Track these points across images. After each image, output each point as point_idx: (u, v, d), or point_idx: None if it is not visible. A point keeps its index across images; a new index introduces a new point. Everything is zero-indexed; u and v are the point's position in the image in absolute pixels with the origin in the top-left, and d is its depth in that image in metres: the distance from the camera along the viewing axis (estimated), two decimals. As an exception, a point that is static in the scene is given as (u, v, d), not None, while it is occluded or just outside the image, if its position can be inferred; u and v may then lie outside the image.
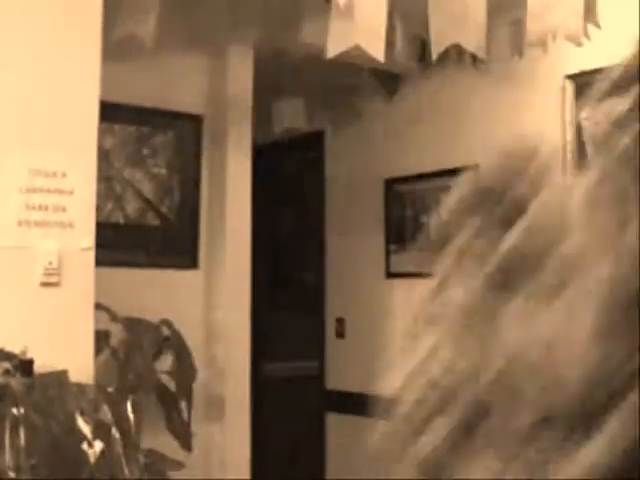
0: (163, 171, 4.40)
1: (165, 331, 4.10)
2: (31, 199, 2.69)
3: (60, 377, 2.43)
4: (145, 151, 4.35)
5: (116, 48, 3.35)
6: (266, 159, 5.71)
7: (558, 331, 0.56)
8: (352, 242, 5.40)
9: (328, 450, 5.57)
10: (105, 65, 2.89)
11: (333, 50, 3.14)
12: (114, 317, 3.98)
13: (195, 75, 4.51)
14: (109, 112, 3.19)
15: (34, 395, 2.32)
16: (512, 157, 0.79)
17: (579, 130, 4.08)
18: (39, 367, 2.42)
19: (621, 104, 0.61)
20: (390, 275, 5.14)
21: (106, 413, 2.43)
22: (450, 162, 4.78)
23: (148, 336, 3.98)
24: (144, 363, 3.87)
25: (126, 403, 2.50)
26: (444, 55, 3.68)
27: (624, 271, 0.53)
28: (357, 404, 5.33)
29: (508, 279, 0.63)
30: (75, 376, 2.46)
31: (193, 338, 4.21)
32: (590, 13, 3.40)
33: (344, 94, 5.24)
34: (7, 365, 2.37)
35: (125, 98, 4.15)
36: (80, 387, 2.44)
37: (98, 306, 3.26)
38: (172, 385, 4.07)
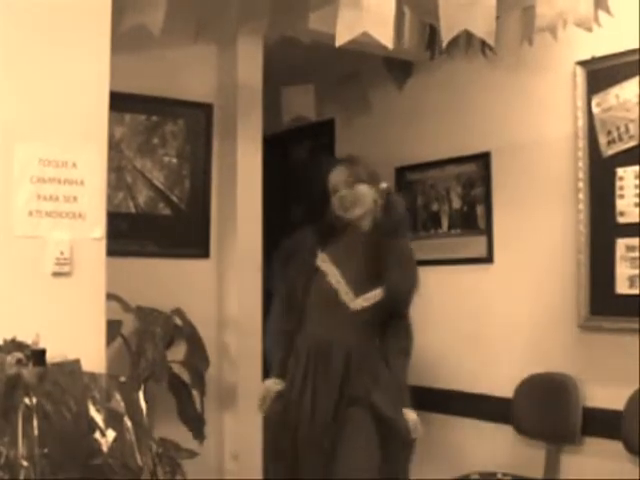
0: (174, 160, 4.40)
1: (177, 320, 4.11)
2: (42, 189, 2.70)
3: (72, 366, 2.43)
4: (155, 140, 4.35)
5: (126, 38, 3.35)
6: (276, 147, 5.70)
7: None
8: (363, 230, 5.39)
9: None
10: (115, 55, 2.89)
11: (342, 38, 3.13)
12: (126, 307, 3.99)
13: (205, 64, 4.51)
14: (119, 102, 3.19)
15: (46, 384, 2.33)
16: None
17: (590, 116, 4.06)
18: (51, 357, 2.43)
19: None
20: (401, 263, 5.13)
21: (118, 402, 2.44)
22: (461, 150, 4.77)
23: (160, 325, 3.99)
24: (156, 352, 3.88)
25: (138, 392, 2.51)
26: (453, 43, 3.67)
27: None
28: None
29: None
30: (87, 365, 2.47)
31: (205, 327, 4.23)
32: (601, -1, 3.39)
33: (354, 82, 5.22)
34: (19, 355, 2.38)
35: (135, 88, 4.15)
36: (92, 376, 2.45)
37: (110, 296, 3.27)
38: (184, 374, 4.09)
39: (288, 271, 3.58)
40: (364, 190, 3.53)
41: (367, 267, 3.51)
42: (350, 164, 3.59)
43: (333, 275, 3.48)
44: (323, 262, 3.51)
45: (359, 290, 3.47)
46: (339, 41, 3.14)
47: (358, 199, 3.52)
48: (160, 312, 4.05)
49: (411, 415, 3.49)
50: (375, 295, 3.48)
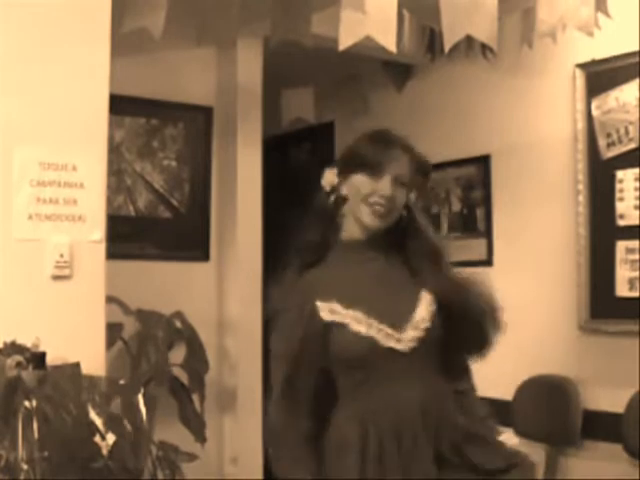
0: (173, 163, 4.40)
1: (177, 323, 4.11)
2: (42, 192, 2.69)
3: (72, 370, 2.43)
4: (155, 143, 4.35)
5: (126, 41, 3.34)
6: (276, 150, 5.70)
7: None
8: (363, 233, 5.38)
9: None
10: (115, 58, 2.89)
11: (345, 42, 3.13)
12: (126, 310, 3.99)
13: (205, 67, 4.51)
14: (119, 105, 3.19)
15: (46, 387, 2.32)
16: None
17: (590, 119, 4.06)
18: (51, 360, 2.42)
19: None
20: (401, 266, 5.12)
21: (118, 405, 2.43)
22: (460, 152, 4.77)
23: (162, 329, 3.98)
24: (157, 355, 3.88)
25: (138, 395, 2.50)
26: (454, 46, 3.68)
27: None
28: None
29: None
30: (87, 369, 2.46)
31: (205, 330, 4.22)
32: (600, 2, 3.38)
33: (354, 85, 5.22)
34: (19, 358, 2.38)
35: (135, 91, 4.15)
36: (92, 379, 2.44)
37: (111, 299, 3.26)
38: (185, 377, 4.08)
39: (285, 348, 2.37)
40: (402, 197, 2.44)
41: (398, 285, 2.41)
42: (407, 153, 2.57)
43: (358, 321, 2.29)
44: (332, 312, 2.31)
45: (400, 320, 2.32)
46: (342, 45, 3.14)
47: (395, 208, 2.42)
48: (161, 315, 4.04)
49: (512, 441, 2.64)
50: (423, 315, 2.35)
